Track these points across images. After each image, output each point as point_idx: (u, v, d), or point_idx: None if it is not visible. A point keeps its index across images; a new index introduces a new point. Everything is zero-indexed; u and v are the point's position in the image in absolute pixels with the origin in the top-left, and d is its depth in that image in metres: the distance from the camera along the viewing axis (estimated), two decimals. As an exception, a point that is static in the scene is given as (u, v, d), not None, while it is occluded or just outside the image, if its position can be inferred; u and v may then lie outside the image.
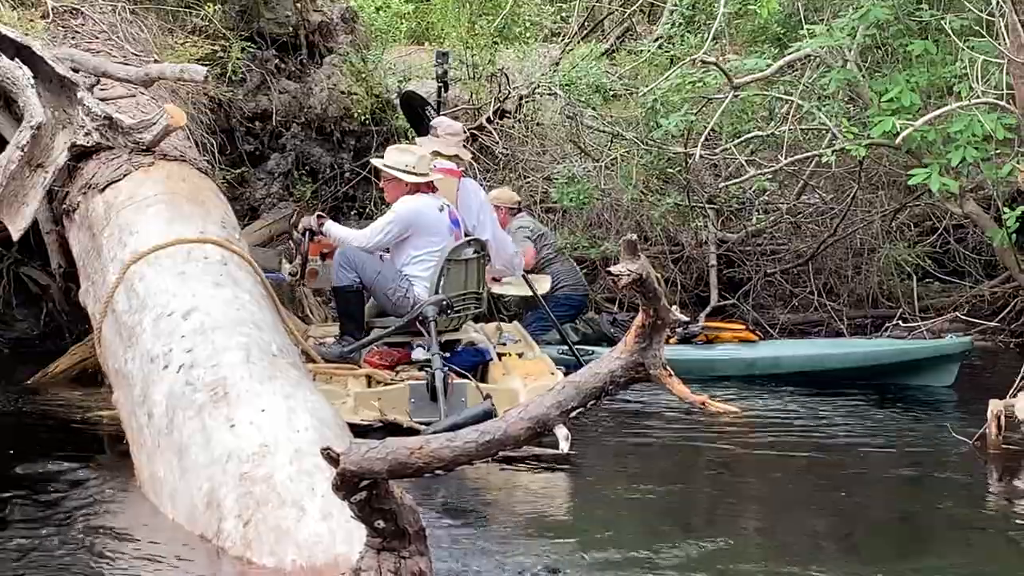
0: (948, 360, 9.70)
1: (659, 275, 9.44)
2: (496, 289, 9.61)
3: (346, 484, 4.42)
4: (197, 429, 5.84)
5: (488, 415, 7.19)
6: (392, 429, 7.25)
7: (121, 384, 6.73)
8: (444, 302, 8.16)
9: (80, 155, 7.90)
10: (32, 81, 7.79)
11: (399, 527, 4.56)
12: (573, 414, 4.68)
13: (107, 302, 7.01)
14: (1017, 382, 7.79)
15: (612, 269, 4.52)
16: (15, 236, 7.79)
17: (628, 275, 4.47)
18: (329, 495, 4.65)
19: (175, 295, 6.72)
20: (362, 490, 4.44)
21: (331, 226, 8.67)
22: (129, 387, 6.55)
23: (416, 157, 8.57)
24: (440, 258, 8.37)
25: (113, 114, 7.90)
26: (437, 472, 4.60)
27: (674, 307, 4.71)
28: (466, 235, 8.70)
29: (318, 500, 5.14)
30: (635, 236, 4.56)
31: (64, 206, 7.99)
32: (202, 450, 5.71)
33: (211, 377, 6.07)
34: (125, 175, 7.67)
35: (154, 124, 7.76)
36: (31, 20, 9.06)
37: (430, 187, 8.55)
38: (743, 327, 10.55)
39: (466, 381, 7.82)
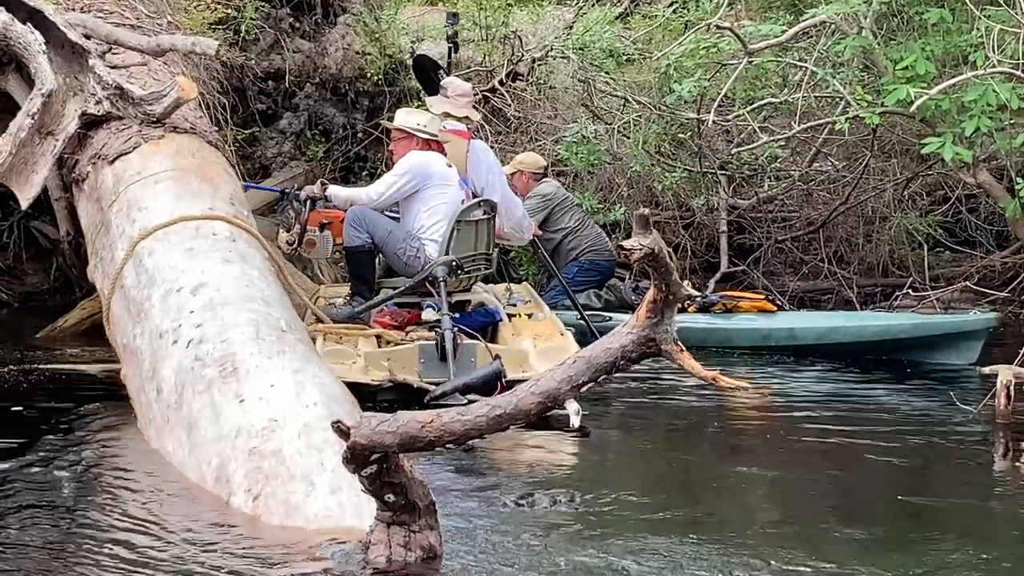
0: (971, 337, 9.42)
1: (669, 242, 9.45)
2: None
3: (356, 458, 4.44)
4: (206, 404, 5.87)
5: (497, 375, 7.23)
6: (403, 389, 7.32)
7: (130, 359, 6.75)
8: (454, 262, 8.18)
9: (90, 123, 7.85)
10: (44, 47, 7.69)
11: (409, 501, 4.58)
12: (584, 389, 4.70)
13: (116, 278, 7.02)
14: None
15: (624, 243, 4.54)
16: (24, 204, 7.71)
17: (640, 249, 4.48)
18: (338, 469, 4.68)
19: (184, 271, 6.73)
20: (372, 464, 4.46)
21: (336, 189, 8.71)
22: (138, 362, 6.57)
23: (427, 118, 8.70)
24: (451, 211, 8.38)
25: (124, 84, 7.84)
26: (448, 446, 4.63)
27: (684, 280, 4.71)
28: (474, 196, 8.71)
29: (327, 474, 5.16)
30: (647, 211, 4.57)
31: (74, 175, 7.96)
32: (211, 425, 5.75)
33: (220, 352, 6.09)
34: (135, 147, 7.63)
35: (165, 96, 7.70)
36: (44, -18, 9.00)
37: (439, 148, 8.58)
38: (762, 297, 10.48)
39: (475, 342, 7.82)
